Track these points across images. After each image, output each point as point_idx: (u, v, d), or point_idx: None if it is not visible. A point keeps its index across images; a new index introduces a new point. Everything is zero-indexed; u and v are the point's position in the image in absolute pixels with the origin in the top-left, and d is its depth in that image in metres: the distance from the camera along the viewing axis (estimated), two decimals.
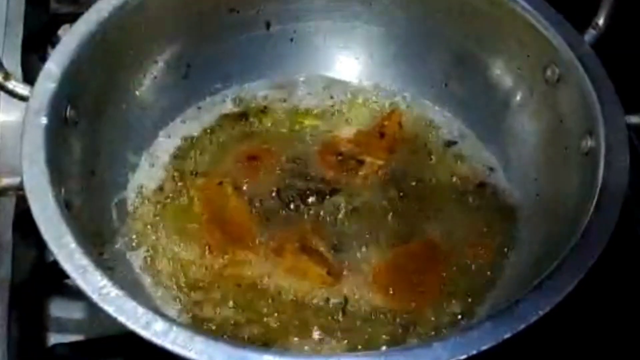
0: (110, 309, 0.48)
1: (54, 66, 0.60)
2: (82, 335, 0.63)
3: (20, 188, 0.53)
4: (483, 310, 0.61)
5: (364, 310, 0.61)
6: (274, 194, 0.68)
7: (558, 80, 0.65)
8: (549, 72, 0.66)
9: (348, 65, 0.77)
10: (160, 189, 0.68)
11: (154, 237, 0.64)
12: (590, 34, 0.66)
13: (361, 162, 0.71)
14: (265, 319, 0.60)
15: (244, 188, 0.68)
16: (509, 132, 0.71)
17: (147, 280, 0.62)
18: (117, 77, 0.67)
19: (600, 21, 0.66)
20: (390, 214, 0.67)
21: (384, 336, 0.59)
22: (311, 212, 0.67)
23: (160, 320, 0.47)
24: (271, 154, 0.71)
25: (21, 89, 0.59)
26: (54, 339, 0.63)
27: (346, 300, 0.62)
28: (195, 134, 0.72)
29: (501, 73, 0.71)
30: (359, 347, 0.59)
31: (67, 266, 0.50)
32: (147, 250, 0.64)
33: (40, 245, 0.60)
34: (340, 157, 0.71)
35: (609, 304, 0.63)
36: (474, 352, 0.46)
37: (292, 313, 0.60)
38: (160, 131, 0.71)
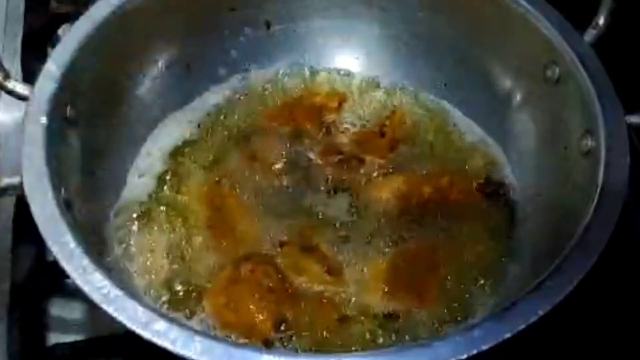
0: (110, 309, 0.48)
1: (54, 66, 0.60)
2: (82, 335, 0.63)
3: (20, 188, 0.53)
4: (483, 310, 0.61)
5: (364, 310, 0.61)
6: (273, 193, 0.68)
7: (558, 80, 0.65)
8: (549, 72, 0.66)
9: (348, 65, 0.77)
10: (160, 188, 0.68)
11: (153, 237, 0.64)
12: (590, 34, 0.66)
13: (362, 161, 0.71)
14: (264, 318, 0.60)
15: (244, 187, 0.68)
16: (509, 131, 0.71)
17: (145, 280, 0.62)
18: (117, 77, 0.67)
19: (600, 21, 0.66)
20: (391, 213, 0.67)
21: (383, 336, 0.59)
22: (311, 210, 0.67)
23: (160, 320, 0.47)
24: (271, 152, 0.71)
25: (21, 88, 0.59)
26: (54, 339, 0.63)
27: (346, 299, 0.62)
28: (195, 133, 0.72)
29: (501, 73, 0.71)
30: (359, 346, 0.59)
31: (67, 266, 0.50)
32: (146, 250, 0.64)
33: (40, 245, 0.60)
34: (341, 156, 0.71)
35: (609, 304, 0.63)
36: (474, 352, 0.46)
37: (292, 312, 0.60)
38: (160, 130, 0.71)
